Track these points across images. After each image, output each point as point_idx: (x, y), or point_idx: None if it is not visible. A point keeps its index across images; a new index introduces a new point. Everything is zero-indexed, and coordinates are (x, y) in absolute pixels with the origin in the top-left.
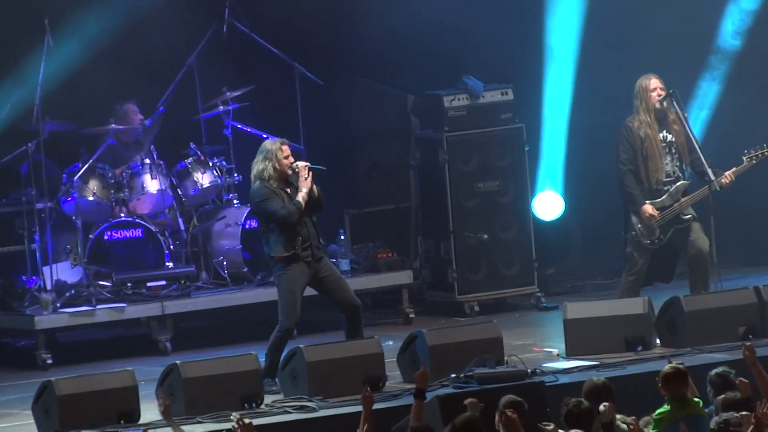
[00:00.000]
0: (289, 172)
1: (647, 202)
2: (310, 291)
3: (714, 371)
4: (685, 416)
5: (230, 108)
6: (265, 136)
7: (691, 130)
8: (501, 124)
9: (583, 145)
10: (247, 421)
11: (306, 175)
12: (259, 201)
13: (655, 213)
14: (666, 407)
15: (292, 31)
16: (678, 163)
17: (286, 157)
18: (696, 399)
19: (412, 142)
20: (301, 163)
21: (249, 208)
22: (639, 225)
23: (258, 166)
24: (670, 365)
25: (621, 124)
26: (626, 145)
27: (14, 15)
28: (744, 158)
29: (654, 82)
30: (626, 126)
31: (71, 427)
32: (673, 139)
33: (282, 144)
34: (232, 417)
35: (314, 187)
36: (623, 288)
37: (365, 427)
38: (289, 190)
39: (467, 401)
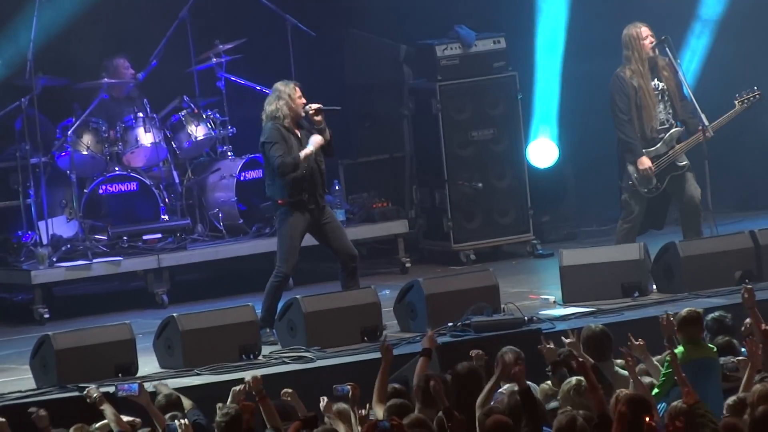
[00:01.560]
0: (302, 113)
1: (644, 152)
2: (312, 241)
3: (710, 316)
4: (698, 359)
5: (223, 60)
6: (258, 88)
7: (683, 76)
8: (494, 73)
9: (576, 92)
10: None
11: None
12: (264, 141)
13: (652, 166)
14: (680, 348)
15: None
16: (670, 111)
17: (299, 98)
18: (711, 345)
19: (405, 92)
20: (314, 105)
21: (243, 160)
22: (636, 174)
23: (271, 106)
24: (686, 309)
25: (613, 75)
26: (622, 95)
27: None
28: (736, 102)
29: (644, 30)
30: (618, 76)
31: (69, 381)
32: (665, 87)
33: (295, 85)
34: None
35: (327, 130)
36: (619, 235)
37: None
38: (299, 133)
39: (473, 353)
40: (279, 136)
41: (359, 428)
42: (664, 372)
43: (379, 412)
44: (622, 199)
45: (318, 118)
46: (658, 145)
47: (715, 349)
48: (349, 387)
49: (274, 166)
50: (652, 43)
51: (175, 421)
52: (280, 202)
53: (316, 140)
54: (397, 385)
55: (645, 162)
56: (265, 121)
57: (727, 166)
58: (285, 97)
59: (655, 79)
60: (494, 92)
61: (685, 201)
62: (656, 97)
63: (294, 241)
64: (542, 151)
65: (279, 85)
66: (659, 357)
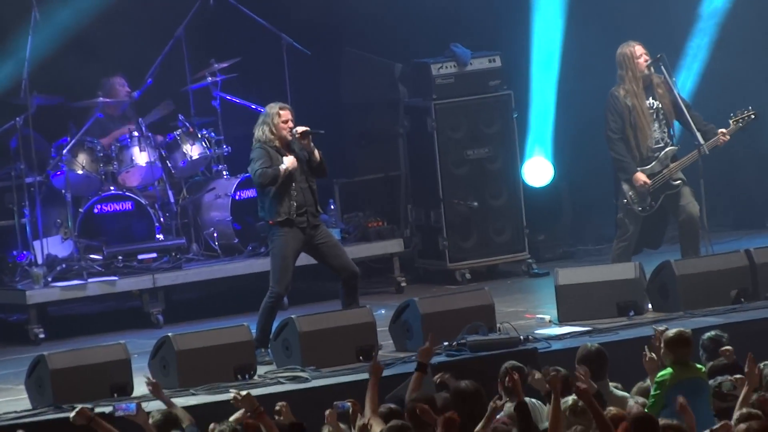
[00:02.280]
0: (289, 137)
1: (638, 169)
2: (306, 261)
3: (706, 335)
4: (687, 379)
5: (218, 79)
6: (253, 106)
7: (679, 94)
8: (489, 92)
9: (571, 110)
10: (244, 392)
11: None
12: (250, 161)
13: (648, 180)
14: (669, 370)
15: (279, 1)
16: (666, 129)
17: (285, 122)
18: (699, 366)
19: (401, 111)
20: (300, 128)
21: (238, 179)
22: (630, 192)
23: (257, 130)
24: (674, 330)
25: (608, 93)
26: (614, 114)
27: None
28: (730, 122)
29: (639, 49)
30: (613, 95)
31: (65, 401)
32: (660, 105)
33: (281, 108)
34: (231, 392)
35: (316, 152)
36: (615, 254)
37: (372, 399)
38: (290, 155)
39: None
40: (264, 154)
41: None
42: (652, 394)
43: (375, 427)
44: (618, 218)
45: (305, 141)
46: (653, 163)
47: (704, 369)
48: (349, 404)
49: (254, 176)
50: (646, 61)
51: None
52: (271, 222)
53: (288, 160)
54: (392, 406)
55: (640, 177)
56: (254, 144)
57: (723, 184)
58: (268, 120)
59: (650, 98)
60: (490, 111)
61: (683, 219)
62: (651, 116)
63: (286, 261)
64: (538, 169)
65: (267, 108)
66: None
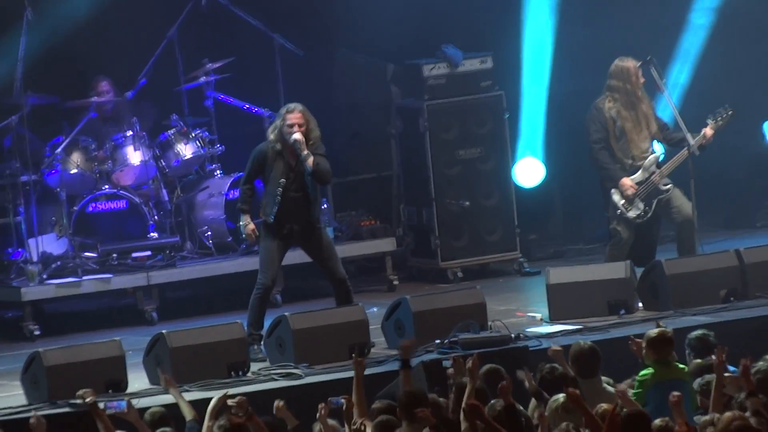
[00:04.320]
0: (290, 141)
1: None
2: (300, 259)
3: (693, 334)
4: (668, 379)
5: (211, 79)
6: (246, 106)
7: (669, 96)
8: (481, 92)
9: (562, 111)
10: (236, 398)
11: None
12: None
13: (634, 185)
14: (650, 370)
15: (272, 1)
16: (649, 137)
17: (291, 126)
18: (681, 365)
19: (393, 111)
20: (296, 135)
21: (231, 179)
22: (622, 201)
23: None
24: (656, 329)
25: (598, 95)
26: (597, 125)
27: None
28: (709, 122)
29: (634, 64)
30: (597, 107)
31: (60, 397)
32: (646, 115)
33: (288, 111)
34: (229, 402)
35: (309, 160)
36: (608, 259)
37: (357, 394)
38: (292, 160)
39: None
40: (259, 155)
41: None
42: (634, 392)
43: (368, 429)
44: (611, 228)
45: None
46: (639, 173)
47: (686, 369)
48: (343, 400)
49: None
50: (643, 82)
51: None
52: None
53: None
54: (390, 402)
55: (626, 182)
56: None
57: (713, 185)
58: (278, 122)
59: (637, 109)
60: (481, 111)
61: (679, 221)
62: (639, 125)
63: (272, 253)
64: (529, 169)
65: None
66: (628, 381)
